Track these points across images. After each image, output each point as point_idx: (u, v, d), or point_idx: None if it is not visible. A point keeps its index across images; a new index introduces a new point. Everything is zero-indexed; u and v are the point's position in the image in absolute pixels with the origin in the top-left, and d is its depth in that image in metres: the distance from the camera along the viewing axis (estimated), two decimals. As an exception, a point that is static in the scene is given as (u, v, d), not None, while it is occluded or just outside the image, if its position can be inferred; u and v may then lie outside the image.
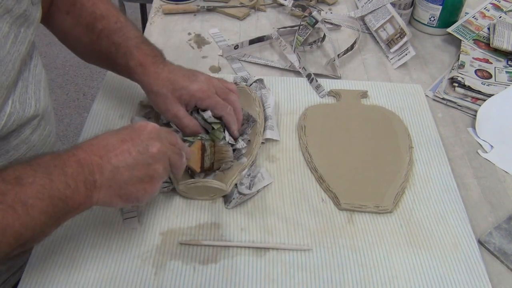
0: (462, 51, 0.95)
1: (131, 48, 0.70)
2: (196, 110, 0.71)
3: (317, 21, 0.94)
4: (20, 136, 0.62)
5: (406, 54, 0.95)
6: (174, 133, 0.62)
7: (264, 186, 0.70)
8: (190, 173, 0.68)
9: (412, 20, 1.07)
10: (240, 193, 0.67)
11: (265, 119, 0.78)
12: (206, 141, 0.69)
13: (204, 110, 0.71)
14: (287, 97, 0.85)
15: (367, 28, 1.05)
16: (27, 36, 0.60)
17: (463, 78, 0.88)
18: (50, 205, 0.48)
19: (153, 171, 0.55)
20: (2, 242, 0.45)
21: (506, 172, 0.76)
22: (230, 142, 0.71)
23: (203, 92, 0.69)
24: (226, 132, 0.71)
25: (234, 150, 0.71)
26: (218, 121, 0.71)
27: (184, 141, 0.68)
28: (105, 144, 0.53)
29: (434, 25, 1.04)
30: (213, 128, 0.71)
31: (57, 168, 0.49)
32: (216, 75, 0.89)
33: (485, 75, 0.90)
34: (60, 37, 0.76)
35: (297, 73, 0.92)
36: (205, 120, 0.70)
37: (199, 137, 0.69)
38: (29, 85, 0.62)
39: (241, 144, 0.71)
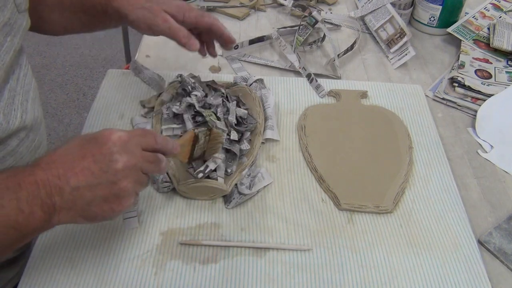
0: (462, 51, 0.95)
1: None
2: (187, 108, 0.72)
3: (317, 21, 0.94)
4: (6, 148, 0.59)
5: (406, 54, 0.95)
6: (151, 133, 0.54)
7: (264, 186, 0.70)
8: (188, 165, 0.68)
9: (412, 20, 1.07)
10: (240, 193, 0.67)
11: (265, 119, 0.78)
12: (201, 131, 0.66)
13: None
14: (287, 97, 0.85)
15: (367, 28, 1.05)
16: (13, 45, 0.57)
17: (463, 78, 0.88)
18: (4, 233, 0.46)
19: (119, 189, 0.49)
20: None
21: (506, 172, 0.76)
22: (222, 127, 0.70)
23: (188, 5, 0.69)
24: (222, 121, 0.71)
25: (230, 139, 0.71)
26: (208, 110, 0.71)
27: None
28: (64, 160, 0.49)
29: (434, 25, 1.04)
30: (205, 120, 0.71)
31: (9, 192, 0.46)
32: (216, 75, 0.89)
33: (485, 75, 0.90)
34: (34, 18, 0.71)
35: (297, 73, 0.91)
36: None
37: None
38: (16, 96, 0.60)
39: (245, 145, 0.71)
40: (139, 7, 0.68)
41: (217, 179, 0.67)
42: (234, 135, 0.70)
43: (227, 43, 0.73)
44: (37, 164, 0.49)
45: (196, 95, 0.72)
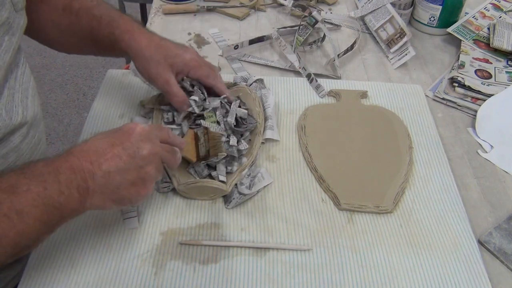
0: (462, 51, 0.95)
1: (114, 17, 0.69)
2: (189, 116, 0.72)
3: (317, 21, 0.94)
4: (9, 144, 0.61)
5: (406, 54, 0.95)
6: (165, 127, 0.62)
7: (264, 186, 0.70)
8: (188, 166, 0.68)
9: (412, 20, 1.07)
10: (240, 193, 0.67)
11: (265, 119, 0.78)
12: (198, 129, 0.69)
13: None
14: (287, 97, 0.85)
15: (367, 28, 1.05)
16: (11, 44, 0.58)
17: (463, 78, 0.88)
18: (44, 212, 0.49)
19: (145, 173, 0.55)
20: None
21: (506, 172, 0.76)
22: (221, 132, 0.70)
23: (197, 62, 0.70)
24: (221, 125, 0.71)
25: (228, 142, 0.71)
26: (207, 111, 0.72)
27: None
28: (95, 149, 0.53)
29: (434, 25, 1.04)
30: (204, 118, 0.71)
31: (50, 175, 0.49)
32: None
33: (485, 75, 0.90)
34: (38, 32, 0.74)
35: (297, 73, 0.91)
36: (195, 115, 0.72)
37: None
38: (16, 93, 0.61)
39: (243, 145, 0.71)
40: (147, 57, 0.68)
41: (217, 179, 0.67)
42: (233, 140, 0.70)
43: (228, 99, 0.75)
44: (70, 152, 0.52)
45: (195, 100, 0.72)
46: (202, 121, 0.70)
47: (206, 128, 0.69)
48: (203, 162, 0.68)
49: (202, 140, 0.68)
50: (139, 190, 0.55)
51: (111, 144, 0.53)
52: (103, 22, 0.70)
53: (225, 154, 0.68)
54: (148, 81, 0.72)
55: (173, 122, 0.74)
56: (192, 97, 0.72)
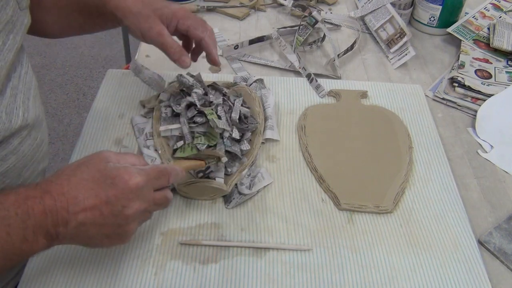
0: (462, 51, 0.95)
1: None
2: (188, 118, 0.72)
3: (317, 21, 0.94)
4: (8, 147, 0.59)
5: (406, 54, 0.95)
6: (166, 174, 0.55)
7: (264, 186, 0.70)
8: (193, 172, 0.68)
9: (412, 20, 1.07)
10: (240, 193, 0.67)
11: (265, 119, 0.78)
12: (210, 161, 0.65)
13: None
14: (287, 97, 0.85)
15: (367, 28, 1.05)
16: (15, 43, 0.57)
17: (463, 78, 0.88)
18: (1, 258, 0.46)
19: (123, 231, 0.51)
20: None
21: (506, 172, 0.76)
22: (224, 127, 0.70)
23: (184, 11, 0.68)
24: (222, 120, 0.71)
25: (229, 152, 0.70)
26: (208, 108, 0.71)
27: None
28: (75, 195, 0.48)
29: (434, 25, 1.04)
30: (206, 118, 0.70)
31: (18, 219, 0.46)
32: (216, 75, 0.89)
33: (485, 75, 0.90)
34: (33, 17, 0.72)
35: (297, 73, 0.91)
36: (194, 123, 0.71)
37: (195, 144, 0.69)
38: (18, 94, 0.59)
39: (246, 145, 0.71)
40: (135, 12, 0.67)
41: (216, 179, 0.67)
42: (235, 133, 0.70)
43: (211, 63, 0.72)
44: (48, 190, 0.48)
45: (196, 93, 0.72)
46: (210, 118, 0.69)
47: (219, 158, 0.66)
48: (214, 163, 0.66)
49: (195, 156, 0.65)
50: (113, 242, 0.52)
51: (94, 194, 0.49)
52: None
53: (223, 162, 0.67)
54: (141, 38, 0.70)
55: (171, 118, 0.73)
56: (195, 90, 0.72)
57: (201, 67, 0.92)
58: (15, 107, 0.59)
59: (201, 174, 0.68)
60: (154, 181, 0.53)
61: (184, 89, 0.75)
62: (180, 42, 0.72)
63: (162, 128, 0.72)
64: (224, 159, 0.65)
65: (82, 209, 0.48)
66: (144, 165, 0.55)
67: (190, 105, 0.72)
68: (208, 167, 0.67)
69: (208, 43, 0.69)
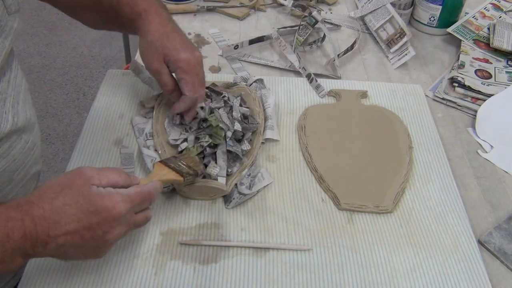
0: (462, 51, 0.95)
1: None
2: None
3: (317, 21, 0.94)
4: None
5: (406, 54, 0.95)
6: (150, 198, 0.55)
7: (264, 186, 0.70)
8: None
9: (412, 20, 1.07)
10: (240, 193, 0.67)
11: (265, 119, 0.78)
12: (168, 159, 0.64)
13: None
14: (287, 97, 0.85)
15: (367, 28, 1.05)
16: (4, 47, 0.57)
17: (463, 78, 0.88)
18: None
19: (101, 251, 0.53)
20: None
21: (506, 172, 0.76)
22: (222, 126, 0.70)
23: (188, 66, 0.68)
24: (223, 117, 0.71)
25: (231, 151, 0.70)
26: (212, 115, 0.71)
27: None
28: (58, 219, 0.48)
29: (434, 25, 1.04)
30: (211, 125, 0.70)
31: None
32: (216, 75, 0.89)
33: (485, 75, 0.90)
34: (65, 9, 0.76)
35: (297, 73, 0.92)
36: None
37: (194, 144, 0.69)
38: (7, 98, 0.59)
39: (246, 145, 0.71)
40: (149, 41, 0.68)
41: (217, 179, 0.67)
42: (237, 126, 0.70)
43: (173, 108, 0.71)
44: (30, 213, 0.48)
45: (201, 107, 0.72)
46: (213, 119, 0.69)
47: (174, 156, 0.66)
48: (190, 181, 0.65)
49: (176, 164, 0.63)
50: (88, 258, 0.55)
51: (77, 220, 0.49)
52: (123, 1, 0.70)
53: (220, 166, 0.67)
54: (143, 64, 0.72)
55: (181, 124, 0.73)
56: (199, 105, 0.72)
57: (201, 67, 0.92)
58: (4, 111, 0.59)
59: (201, 175, 0.68)
60: (137, 206, 0.54)
61: None
62: None
63: (171, 138, 0.72)
64: (201, 175, 0.66)
65: (63, 233, 0.48)
66: (127, 182, 0.54)
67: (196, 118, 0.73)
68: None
69: (183, 100, 0.69)
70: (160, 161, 0.63)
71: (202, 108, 0.72)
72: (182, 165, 0.63)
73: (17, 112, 0.61)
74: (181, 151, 0.70)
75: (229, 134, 0.69)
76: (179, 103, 0.70)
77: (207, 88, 0.77)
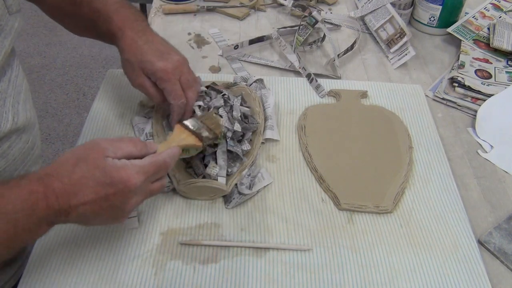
0: (462, 51, 0.95)
1: (109, 13, 0.70)
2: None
3: (317, 21, 0.94)
4: None
5: (406, 54, 0.95)
6: (166, 167, 0.57)
7: (264, 186, 0.70)
8: (187, 164, 0.68)
9: (412, 20, 1.07)
10: (240, 193, 0.67)
11: (265, 119, 0.78)
12: (187, 121, 0.65)
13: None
14: (287, 97, 0.85)
15: (367, 28, 1.05)
16: (3, 47, 0.57)
17: (463, 78, 0.88)
18: (8, 247, 0.50)
19: (119, 218, 0.55)
20: None
21: (506, 172, 0.76)
22: (226, 125, 0.70)
23: (166, 74, 0.67)
24: (224, 118, 0.71)
25: (232, 151, 0.70)
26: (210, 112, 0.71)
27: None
28: (78, 190, 0.50)
29: (434, 25, 1.04)
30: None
31: (24, 212, 0.48)
32: (216, 75, 0.89)
33: (485, 75, 0.90)
34: (49, 13, 0.76)
35: (297, 73, 0.91)
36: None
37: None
38: (8, 98, 0.60)
39: (246, 145, 0.71)
40: (125, 59, 0.69)
41: (217, 179, 0.67)
42: (237, 127, 0.70)
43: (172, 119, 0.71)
44: (50, 186, 0.50)
45: (199, 106, 0.72)
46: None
47: (194, 114, 0.67)
48: (213, 144, 0.66)
49: (196, 126, 0.64)
50: (110, 223, 0.58)
51: (94, 191, 0.51)
52: (101, 17, 0.70)
53: (220, 166, 0.67)
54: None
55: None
56: (197, 103, 0.72)
57: (201, 67, 0.92)
58: (4, 111, 0.59)
59: (198, 170, 0.68)
60: (151, 176, 0.55)
61: None
62: None
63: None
64: (222, 133, 0.66)
65: (82, 203, 0.50)
66: (143, 151, 0.56)
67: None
68: (205, 149, 0.66)
69: (172, 110, 0.69)
70: (180, 123, 0.63)
71: (199, 106, 0.72)
72: (202, 128, 0.63)
73: (17, 112, 0.61)
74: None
75: (229, 134, 0.69)
76: (171, 114, 0.70)
77: (206, 87, 0.77)
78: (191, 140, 0.62)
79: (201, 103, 0.72)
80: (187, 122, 0.64)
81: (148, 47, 0.68)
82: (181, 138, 0.61)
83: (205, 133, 0.63)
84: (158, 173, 0.55)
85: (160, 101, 0.70)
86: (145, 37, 0.69)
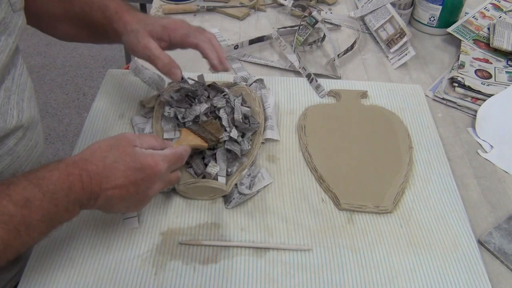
0: (462, 51, 0.95)
1: (105, 1, 0.71)
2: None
3: (317, 21, 0.94)
4: (3, 147, 0.60)
5: (406, 54, 0.95)
6: (183, 158, 0.63)
7: (264, 186, 0.70)
8: (187, 165, 0.68)
9: (412, 20, 1.07)
10: (240, 193, 0.67)
11: (265, 119, 0.78)
12: (190, 126, 0.70)
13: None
14: (287, 97, 0.85)
15: (367, 28, 1.05)
16: (7, 44, 0.57)
17: (463, 78, 0.88)
18: (49, 226, 0.52)
19: (141, 204, 0.60)
20: (1, 259, 0.48)
21: (506, 172, 0.76)
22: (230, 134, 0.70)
23: (175, 23, 0.69)
24: (224, 121, 0.71)
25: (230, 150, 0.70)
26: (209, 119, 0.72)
27: None
28: (109, 174, 0.54)
29: (434, 25, 1.04)
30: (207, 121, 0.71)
31: (63, 193, 0.51)
32: (216, 75, 0.89)
33: (485, 75, 0.90)
34: (37, 22, 0.74)
35: (297, 73, 0.91)
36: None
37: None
38: (12, 95, 0.60)
39: (246, 145, 0.71)
40: (129, 30, 0.69)
41: (217, 179, 0.67)
42: (234, 133, 0.70)
43: (212, 68, 0.71)
44: (86, 169, 0.53)
45: (203, 106, 0.72)
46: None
47: (197, 122, 0.71)
48: (215, 145, 0.69)
49: (200, 130, 0.69)
50: (131, 210, 0.61)
51: (124, 176, 0.55)
52: (94, 7, 0.71)
53: (219, 166, 0.68)
54: (135, 55, 0.71)
55: (174, 118, 0.73)
56: (198, 106, 0.72)
57: (201, 67, 0.92)
58: (9, 108, 0.59)
59: (198, 169, 0.68)
60: (172, 165, 0.61)
61: (189, 93, 0.75)
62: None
63: (166, 135, 0.72)
64: (223, 138, 0.70)
65: (112, 186, 0.54)
66: (162, 146, 0.61)
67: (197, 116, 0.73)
68: (210, 148, 0.69)
69: (203, 47, 0.69)
70: (186, 127, 0.69)
71: (193, 80, 0.73)
72: (205, 132, 0.69)
73: (21, 110, 0.62)
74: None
75: (225, 137, 0.69)
76: (206, 56, 0.69)
77: (208, 85, 0.77)
78: (198, 141, 0.67)
79: (206, 105, 0.72)
80: (192, 127, 0.69)
81: (150, 17, 0.71)
82: (189, 139, 0.67)
83: (209, 136, 0.68)
84: (176, 163, 0.61)
85: (165, 63, 0.68)
86: (142, 14, 0.71)
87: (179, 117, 0.72)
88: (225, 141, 0.70)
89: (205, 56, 0.70)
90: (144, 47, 0.68)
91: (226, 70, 0.71)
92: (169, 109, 0.74)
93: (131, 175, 0.55)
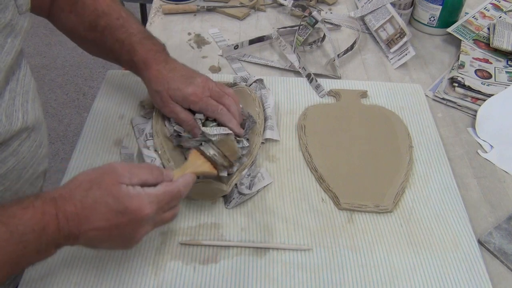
0: (462, 51, 0.95)
1: (134, 45, 0.72)
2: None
3: (317, 21, 0.94)
4: (7, 149, 0.59)
5: (406, 54, 0.95)
6: (179, 196, 0.56)
7: (264, 186, 0.70)
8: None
9: (412, 20, 1.07)
10: (240, 193, 0.67)
11: (265, 119, 0.78)
12: (202, 146, 0.64)
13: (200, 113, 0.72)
14: (287, 97, 0.85)
15: (367, 28, 1.05)
16: (14, 46, 0.57)
17: (463, 78, 0.88)
18: (16, 268, 0.49)
19: (129, 246, 0.55)
20: None
21: (506, 172, 0.76)
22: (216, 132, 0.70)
23: (196, 96, 0.70)
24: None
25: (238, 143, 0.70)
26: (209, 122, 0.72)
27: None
28: (89, 215, 0.50)
29: (434, 25, 1.04)
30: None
31: (34, 234, 0.48)
32: (216, 75, 0.89)
33: (485, 75, 0.90)
34: (67, 35, 0.78)
35: (297, 73, 0.92)
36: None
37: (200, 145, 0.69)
38: (17, 97, 0.60)
39: (244, 143, 0.71)
40: (154, 90, 0.71)
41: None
42: (244, 143, 0.70)
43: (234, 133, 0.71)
44: (62, 208, 0.50)
45: (200, 119, 0.72)
46: (201, 145, 0.66)
47: (210, 140, 0.67)
48: (228, 172, 0.66)
49: (211, 152, 0.63)
50: (117, 249, 0.59)
51: (106, 218, 0.50)
52: (124, 48, 0.72)
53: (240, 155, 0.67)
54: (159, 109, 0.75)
55: (180, 137, 0.73)
56: (197, 115, 0.72)
57: (201, 68, 0.92)
58: (15, 110, 0.59)
59: (226, 172, 0.67)
60: (165, 206, 0.54)
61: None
62: None
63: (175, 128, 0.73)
64: (236, 166, 0.67)
65: (92, 228, 0.51)
66: (158, 179, 0.55)
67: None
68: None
69: (223, 121, 0.70)
70: (197, 149, 0.63)
71: (200, 119, 0.72)
72: (217, 155, 0.63)
73: (26, 111, 0.62)
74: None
75: (232, 137, 0.69)
76: (226, 125, 0.70)
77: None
78: (206, 168, 0.62)
79: (201, 116, 0.72)
80: (204, 148, 0.63)
81: (173, 75, 0.71)
82: (197, 164, 0.62)
83: (220, 160, 0.63)
84: (171, 202, 0.55)
85: (190, 125, 0.71)
86: (168, 66, 0.72)
87: (177, 129, 0.72)
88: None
89: (226, 126, 0.71)
90: (171, 111, 0.71)
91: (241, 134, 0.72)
92: (177, 127, 0.73)
93: (113, 219, 0.50)
